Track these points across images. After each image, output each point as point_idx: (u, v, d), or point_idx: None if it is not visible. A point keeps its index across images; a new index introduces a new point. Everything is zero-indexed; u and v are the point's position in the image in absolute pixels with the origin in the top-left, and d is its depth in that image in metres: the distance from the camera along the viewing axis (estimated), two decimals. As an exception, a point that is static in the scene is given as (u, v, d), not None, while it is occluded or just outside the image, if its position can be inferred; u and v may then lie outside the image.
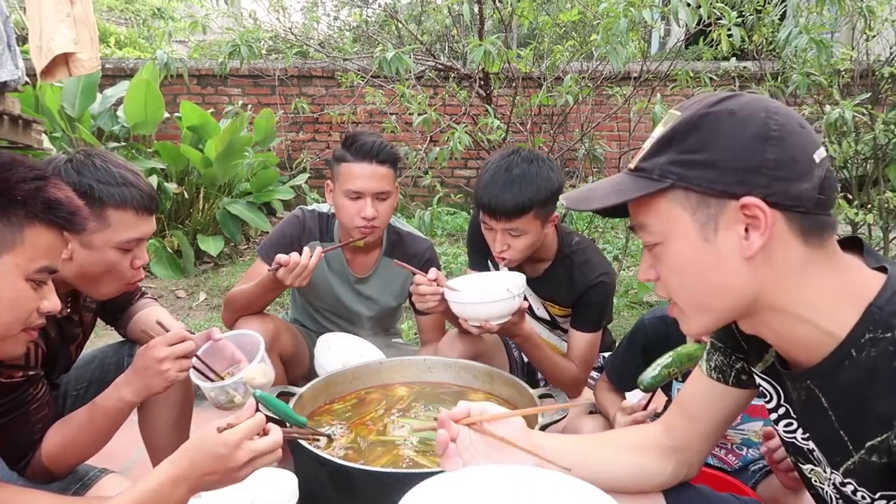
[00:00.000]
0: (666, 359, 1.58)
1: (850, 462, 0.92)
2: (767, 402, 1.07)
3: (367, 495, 1.33)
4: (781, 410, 1.05)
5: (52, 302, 1.16)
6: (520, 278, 1.90)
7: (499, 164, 1.93)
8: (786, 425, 1.05)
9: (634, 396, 1.82)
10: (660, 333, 1.79)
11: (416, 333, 2.36)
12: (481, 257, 2.23)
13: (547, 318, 2.23)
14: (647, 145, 0.96)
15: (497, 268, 2.14)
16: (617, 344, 2.07)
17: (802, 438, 1.02)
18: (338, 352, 2.00)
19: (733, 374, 1.14)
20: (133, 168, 1.54)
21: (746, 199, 0.86)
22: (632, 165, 0.96)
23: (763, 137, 0.87)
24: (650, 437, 1.22)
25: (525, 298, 1.92)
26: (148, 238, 1.55)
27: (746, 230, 0.88)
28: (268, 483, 1.24)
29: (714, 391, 1.16)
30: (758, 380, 1.09)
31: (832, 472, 0.97)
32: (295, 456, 1.49)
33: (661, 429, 1.23)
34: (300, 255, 1.94)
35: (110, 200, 1.45)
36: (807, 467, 1.04)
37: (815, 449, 0.99)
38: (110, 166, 1.48)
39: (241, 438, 1.11)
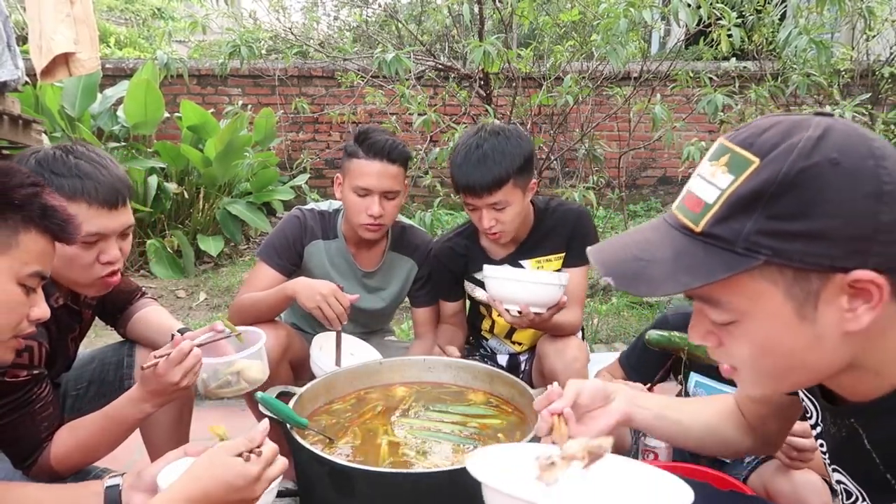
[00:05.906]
0: (681, 334, 1.62)
1: None
2: (809, 419, 1.02)
3: (367, 495, 1.33)
4: (818, 430, 1.00)
5: (41, 309, 1.17)
6: (565, 275, 1.92)
7: (468, 144, 1.97)
8: (819, 445, 1.01)
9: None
10: (681, 329, 1.82)
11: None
12: (453, 283, 2.21)
13: None
14: (709, 196, 0.75)
15: (483, 287, 2.13)
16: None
17: (827, 464, 0.99)
18: (330, 351, 1.99)
19: None
20: (102, 161, 1.45)
21: (858, 274, 0.70)
22: (697, 227, 0.75)
23: (877, 196, 0.69)
24: (730, 409, 1.22)
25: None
26: (117, 234, 1.47)
27: (848, 300, 0.73)
28: None
29: None
30: (801, 394, 1.04)
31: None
32: (295, 456, 1.49)
33: (738, 405, 1.23)
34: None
35: (59, 192, 1.33)
36: None
37: (844, 481, 0.95)
38: (72, 157, 1.41)
39: (261, 470, 1.09)
